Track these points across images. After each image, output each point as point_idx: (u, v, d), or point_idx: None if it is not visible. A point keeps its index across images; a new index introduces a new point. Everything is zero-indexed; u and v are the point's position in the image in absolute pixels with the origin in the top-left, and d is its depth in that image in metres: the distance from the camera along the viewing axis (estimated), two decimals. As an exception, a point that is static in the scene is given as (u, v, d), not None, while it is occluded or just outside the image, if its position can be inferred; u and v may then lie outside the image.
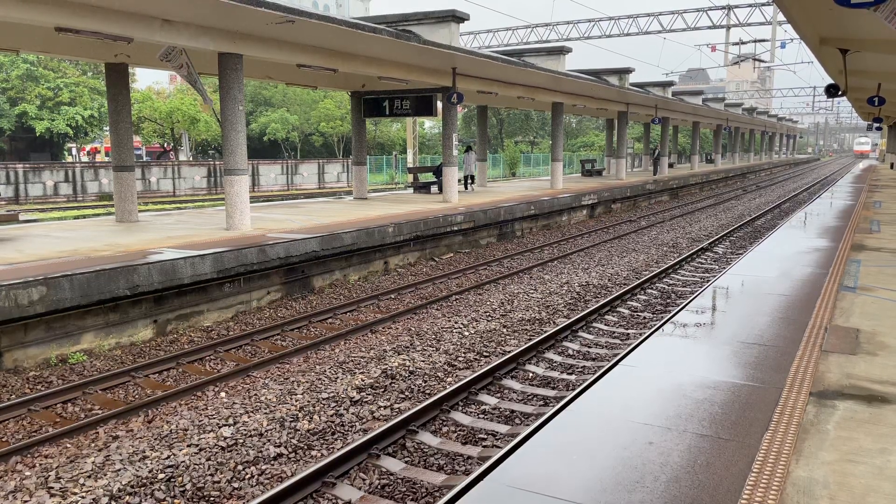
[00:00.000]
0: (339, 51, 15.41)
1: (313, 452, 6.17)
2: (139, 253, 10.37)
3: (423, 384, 7.80)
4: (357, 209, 17.72)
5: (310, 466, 5.73)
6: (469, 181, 25.90)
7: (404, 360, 8.53)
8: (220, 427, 6.58)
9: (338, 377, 7.98)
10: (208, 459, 5.94)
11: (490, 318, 10.54)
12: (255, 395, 7.48)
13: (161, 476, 5.62)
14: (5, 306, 7.90)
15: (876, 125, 41.79)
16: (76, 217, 25.31)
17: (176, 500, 5.31)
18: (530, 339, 9.42)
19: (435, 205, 18.91)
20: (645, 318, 10.58)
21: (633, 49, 41.84)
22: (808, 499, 3.46)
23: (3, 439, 6.54)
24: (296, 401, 7.22)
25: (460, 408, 7.06)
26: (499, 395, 7.50)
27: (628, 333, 9.72)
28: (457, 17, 17.13)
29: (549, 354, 8.74)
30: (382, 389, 7.62)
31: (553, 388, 7.67)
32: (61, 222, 16.54)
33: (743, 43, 33.70)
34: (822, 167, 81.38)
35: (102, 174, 36.11)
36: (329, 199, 22.66)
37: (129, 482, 5.51)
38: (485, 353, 8.93)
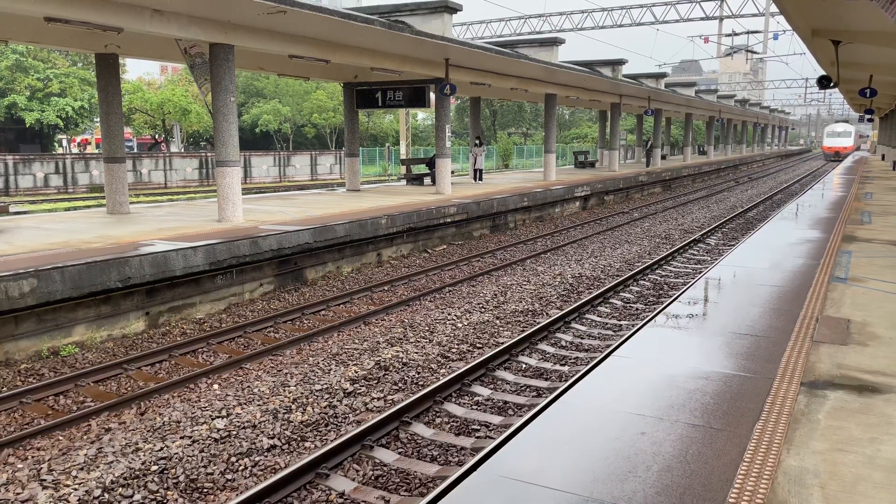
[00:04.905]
0: (331, 41, 15.33)
1: (307, 444, 6.17)
2: (131, 245, 10.31)
3: (417, 376, 7.81)
4: (350, 201, 17.67)
5: (303, 458, 5.74)
6: (476, 174, 26.03)
7: (397, 351, 8.53)
8: (213, 419, 6.58)
9: (331, 369, 7.98)
10: (201, 451, 5.93)
11: (483, 310, 10.55)
12: (249, 387, 7.47)
13: (154, 468, 5.61)
14: (-4, 299, 7.85)
15: (867, 117, 41.96)
16: (67, 209, 25.15)
17: (169, 492, 5.31)
18: (523, 331, 9.43)
19: (428, 196, 18.88)
20: (637, 309, 10.61)
21: (627, 40, 41.81)
22: (798, 487, 3.49)
23: (-5, 432, 6.52)
24: (289, 392, 7.22)
25: (454, 399, 7.08)
26: (492, 386, 7.51)
27: (621, 325, 9.75)
28: (449, 8, 17.08)
29: (542, 346, 8.76)
30: (376, 381, 7.62)
31: (546, 380, 7.69)
32: (52, 214, 16.45)
33: (736, 34, 33.73)
34: (814, 159, 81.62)
35: (93, 166, 35.87)
36: (322, 191, 22.59)
37: (122, 474, 5.50)
38: (478, 345, 8.94)
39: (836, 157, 64.26)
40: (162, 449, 5.94)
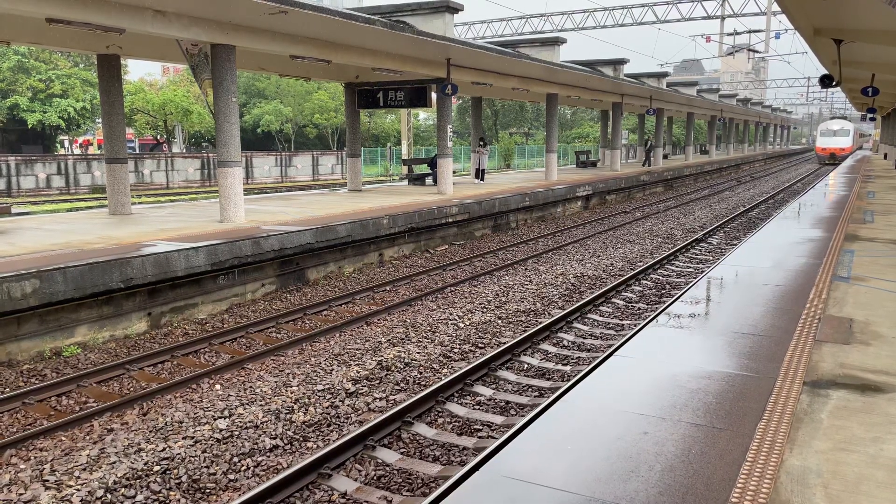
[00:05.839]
0: (332, 42, 15.33)
1: (309, 444, 6.17)
2: (133, 245, 10.32)
3: (419, 376, 7.81)
4: (351, 201, 17.67)
5: (305, 458, 5.74)
6: (479, 174, 25.97)
7: (399, 351, 8.53)
8: (215, 419, 6.58)
9: (333, 369, 7.98)
10: (204, 451, 5.93)
11: (485, 310, 10.55)
12: (251, 387, 7.47)
13: (157, 468, 5.62)
14: (-2, 299, 7.87)
15: (870, 116, 41.89)
16: (69, 210, 25.19)
17: (172, 493, 5.31)
18: (525, 331, 9.43)
19: (430, 196, 18.87)
20: (639, 308, 10.60)
21: (628, 40, 41.87)
22: (801, 487, 3.48)
23: (-2, 433, 6.53)
24: (291, 393, 7.22)
25: (456, 399, 7.08)
26: (494, 386, 7.51)
27: (623, 324, 9.74)
28: (451, 8, 17.06)
29: (545, 345, 8.75)
30: (378, 381, 7.62)
31: (548, 379, 7.68)
32: (54, 215, 16.47)
33: (737, 33, 33.65)
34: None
35: (95, 166, 35.91)
36: (323, 192, 22.60)
37: (125, 475, 5.50)
38: (480, 345, 8.94)
39: (832, 160, 52.59)
40: (164, 449, 5.94)
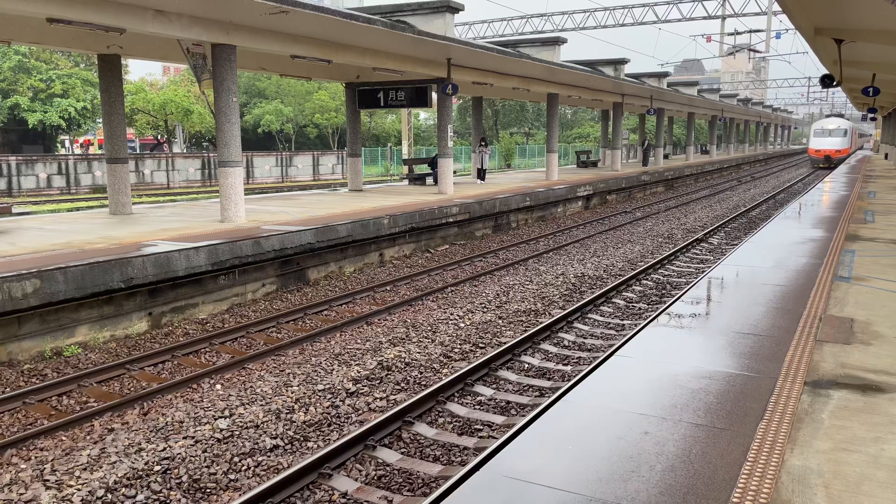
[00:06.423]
0: (333, 41, 15.33)
1: (309, 444, 6.17)
2: (133, 245, 10.33)
3: (419, 375, 7.81)
4: (352, 201, 17.67)
5: (306, 458, 5.74)
6: (480, 174, 25.91)
7: (400, 351, 8.53)
8: (215, 419, 6.58)
9: (333, 369, 7.97)
10: (204, 451, 5.93)
11: (486, 310, 10.54)
12: (251, 387, 7.47)
13: (157, 468, 5.62)
14: (-1, 299, 7.87)
15: (871, 115, 41.85)
16: (70, 209, 25.19)
17: (172, 493, 5.31)
18: (526, 330, 9.42)
19: (430, 196, 18.87)
20: (640, 308, 10.60)
21: (629, 40, 41.85)
22: (802, 487, 3.48)
23: (-2, 432, 6.53)
24: (291, 392, 7.22)
25: (456, 399, 7.07)
26: (494, 386, 7.51)
27: (623, 324, 9.73)
28: (451, 8, 17.06)
29: (545, 345, 8.75)
30: (378, 381, 7.62)
31: (549, 379, 7.68)
32: (55, 215, 16.47)
33: (738, 33, 33.63)
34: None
35: (96, 166, 35.91)
36: (324, 191, 22.60)
37: (125, 474, 5.50)
38: (480, 345, 8.93)
39: (827, 163, 46.43)
40: (165, 449, 5.94)
